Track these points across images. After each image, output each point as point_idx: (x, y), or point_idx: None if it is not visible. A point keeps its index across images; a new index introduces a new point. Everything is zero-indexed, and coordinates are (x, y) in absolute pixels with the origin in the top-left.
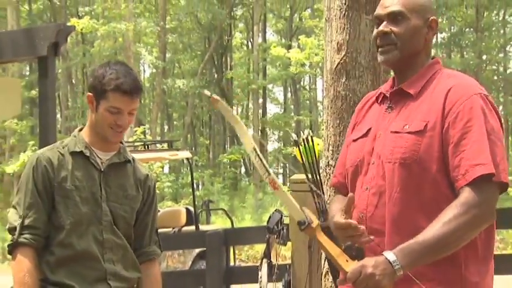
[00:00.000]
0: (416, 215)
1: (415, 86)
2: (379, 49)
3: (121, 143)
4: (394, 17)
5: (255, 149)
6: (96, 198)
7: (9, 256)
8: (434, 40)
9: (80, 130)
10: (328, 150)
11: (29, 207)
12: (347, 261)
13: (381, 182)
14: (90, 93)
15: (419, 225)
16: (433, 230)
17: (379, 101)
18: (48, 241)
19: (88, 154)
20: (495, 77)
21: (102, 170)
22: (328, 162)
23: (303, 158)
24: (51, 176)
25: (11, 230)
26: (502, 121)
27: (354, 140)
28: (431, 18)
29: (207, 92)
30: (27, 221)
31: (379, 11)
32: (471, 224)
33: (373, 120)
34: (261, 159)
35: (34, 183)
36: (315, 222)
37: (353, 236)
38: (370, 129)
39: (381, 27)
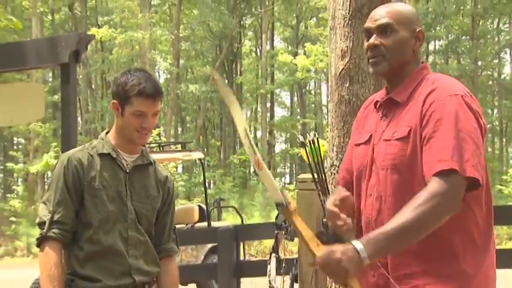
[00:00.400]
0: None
1: (402, 94)
2: (370, 60)
3: (143, 145)
4: (383, 30)
5: (245, 130)
6: (122, 198)
7: (33, 250)
8: (432, 47)
9: (107, 133)
10: (332, 151)
11: (58, 203)
12: (318, 245)
13: (380, 188)
14: (114, 101)
15: None
16: (399, 218)
17: (376, 108)
18: (77, 237)
19: (115, 156)
20: (490, 82)
21: (128, 171)
22: (332, 162)
23: (309, 158)
24: (81, 175)
25: (41, 224)
26: (482, 120)
27: (357, 145)
28: (418, 29)
29: (213, 72)
30: (56, 217)
31: (369, 24)
32: (434, 211)
33: (372, 127)
34: (250, 140)
35: (64, 181)
36: (293, 205)
37: (340, 227)
38: (371, 135)
39: (371, 40)
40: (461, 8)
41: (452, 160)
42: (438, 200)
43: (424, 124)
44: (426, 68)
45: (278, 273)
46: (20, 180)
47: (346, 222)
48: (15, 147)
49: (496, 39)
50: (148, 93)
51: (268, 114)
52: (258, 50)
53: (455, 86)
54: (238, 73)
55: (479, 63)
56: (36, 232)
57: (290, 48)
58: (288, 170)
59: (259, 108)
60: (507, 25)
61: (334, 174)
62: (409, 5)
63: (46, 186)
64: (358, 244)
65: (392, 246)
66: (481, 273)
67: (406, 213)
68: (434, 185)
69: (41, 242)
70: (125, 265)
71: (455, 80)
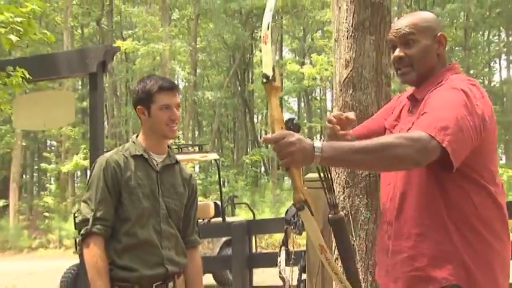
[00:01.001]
0: (414, 206)
1: (423, 92)
2: (398, 71)
3: (168, 147)
4: (405, 41)
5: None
6: (155, 195)
7: (64, 243)
8: None
9: (137, 137)
10: None
11: (99, 202)
12: (282, 128)
13: (395, 179)
14: (139, 107)
15: (416, 214)
16: (368, 141)
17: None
18: (115, 231)
19: (147, 157)
20: None
21: (158, 170)
22: None
23: None
24: (118, 175)
25: (84, 222)
26: (482, 116)
27: (389, 130)
28: (439, 34)
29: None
30: (98, 214)
31: (391, 36)
32: (397, 150)
33: (399, 119)
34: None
35: (104, 181)
36: (278, 83)
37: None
38: (395, 127)
39: (396, 53)
40: (455, 21)
41: (435, 129)
42: (407, 143)
43: (421, 109)
44: (453, 69)
45: (287, 264)
46: (52, 179)
47: (333, 123)
48: (48, 149)
49: (487, 49)
50: (167, 86)
51: None
52: None
53: (462, 84)
54: (250, 81)
55: (471, 71)
56: (67, 226)
57: (297, 58)
58: None
59: (269, 113)
60: (496, 37)
61: (339, 173)
62: (427, 12)
63: (77, 185)
64: (318, 143)
65: (348, 160)
66: (481, 261)
67: (376, 140)
68: (413, 133)
69: (85, 237)
70: (158, 256)
71: (471, 82)
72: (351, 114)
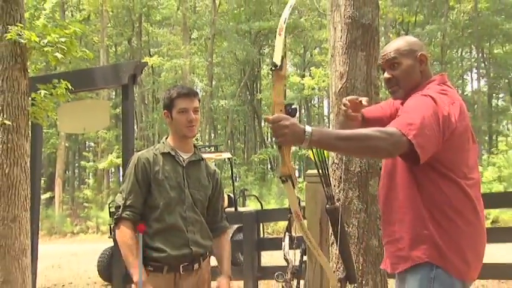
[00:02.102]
0: (397, 197)
1: (407, 101)
2: (389, 90)
3: (194, 146)
4: (391, 64)
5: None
6: (181, 186)
7: (101, 228)
8: None
9: (166, 138)
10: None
11: (129, 192)
12: (280, 110)
13: (384, 176)
14: (164, 111)
15: (399, 204)
16: (354, 131)
17: None
18: (147, 218)
19: (174, 154)
20: None
21: (184, 165)
22: (333, 160)
23: (315, 157)
24: (148, 170)
25: (117, 208)
26: (449, 117)
27: None
28: (420, 54)
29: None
30: (128, 202)
31: (380, 61)
32: (375, 141)
33: None
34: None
35: (135, 175)
36: (284, 72)
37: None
38: None
39: (385, 75)
40: (433, 40)
41: (405, 127)
42: (383, 137)
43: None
44: (434, 80)
45: (290, 247)
46: (90, 174)
47: (347, 106)
48: (87, 149)
49: (460, 64)
50: (185, 92)
51: None
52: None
53: (432, 92)
54: (259, 91)
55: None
56: (103, 214)
57: (299, 71)
58: (297, 167)
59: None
60: (468, 53)
61: (335, 170)
62: (410, 37)
63: (111, 180)
64: (308, 128)
65: (333, 145)
66: (452, 242)
67: (359, 131)
68: (388, 129)
69: (117, 221)
70: (184, 238)
71: (443, 91)
72: (364, 100)
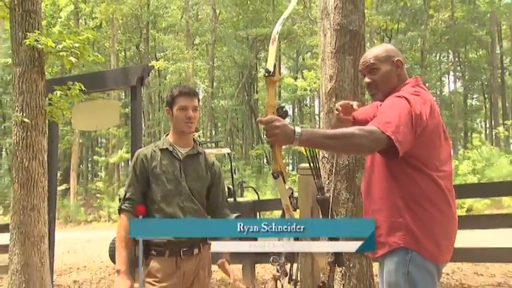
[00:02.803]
0: (377, 189)
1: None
2: (370, 93)
3: (194, 141)
4: (370, 70)
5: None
6: (178, 179)
7: (112, 217)
8: None
9: (167, 135)
10: None
11: (129, 186)
12: (273, 112)
13: (366, 170)
14: (167, 108)
15: (378, 195)
16: (338, 130)
17: None
18: (148, 209)
19: (171, 149)
20: (434, 98)
21: (181, 159)
22: (324, 155)
23: (307, 152)
24: (146, 165)
25: (120, 200)
26: (422, 115)
27: None
28: (396, 59)
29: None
30: (127, 195)
31: (361, 67)
32: (357, 139)
33: None
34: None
35: (134, 170)
36: (277, 77)
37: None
38: None
39: (365, 80)
40: (414, 45)
41: (384, 125)
42: (364, 134)
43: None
44: (409, 83)
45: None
46: (102, 168)
47: (339, 111)
48: (99, 145)
49: (439, 67)
50: (185, 91)
51: None
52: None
53: (406, 93)
54: (255, 92)
55: (427, 84)
56: (114, 204)
57: (292, 73)
58: (291, 161)
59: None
60: (446, 57)
61: (325, 163)
62: (386, 44)
63: (121, 173)
64: (298, 128)
65: (320, 143)
66: (425, 229)
67: (344, 130)
68: (369, 127)
69: (119, 213)
70: None
71: (416, 92)
72: (355, 104)
